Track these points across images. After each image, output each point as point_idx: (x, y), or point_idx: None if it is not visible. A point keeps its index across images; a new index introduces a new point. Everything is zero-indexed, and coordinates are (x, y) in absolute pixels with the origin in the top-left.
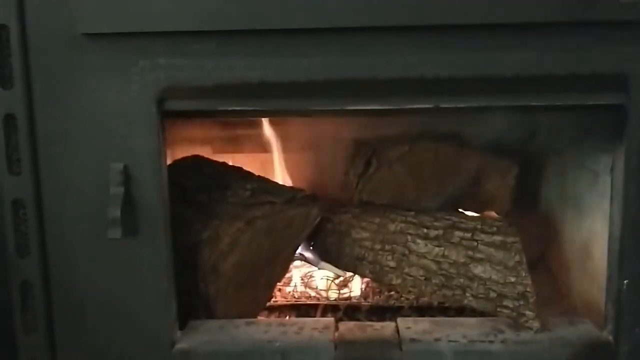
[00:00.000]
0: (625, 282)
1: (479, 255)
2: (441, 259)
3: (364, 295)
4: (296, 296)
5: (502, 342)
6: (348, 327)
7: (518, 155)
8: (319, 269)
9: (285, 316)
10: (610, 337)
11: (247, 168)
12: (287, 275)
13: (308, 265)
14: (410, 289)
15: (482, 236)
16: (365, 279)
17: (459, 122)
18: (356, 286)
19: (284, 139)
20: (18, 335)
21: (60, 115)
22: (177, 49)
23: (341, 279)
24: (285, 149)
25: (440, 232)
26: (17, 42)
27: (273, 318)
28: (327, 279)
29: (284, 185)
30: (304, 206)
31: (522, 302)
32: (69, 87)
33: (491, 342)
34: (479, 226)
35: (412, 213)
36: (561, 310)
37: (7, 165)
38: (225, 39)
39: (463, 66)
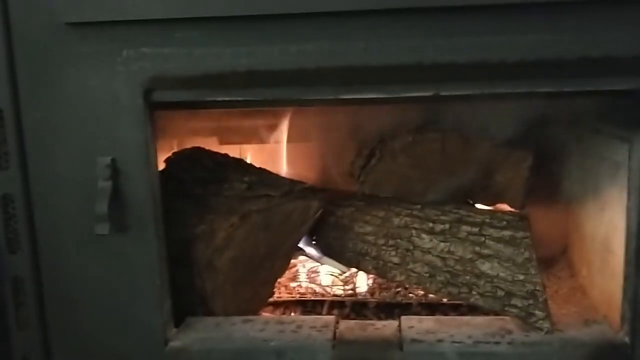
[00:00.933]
0: None
1: (486, 251)
2: (447, 255)
3: (370, 291)
4: (301, 292)
5: (509, 343)
6: (348, 326)
7: (534, 145)
8: (321, 264)
9: (290, 312)
10: (627, 339)
11: (256, 159)
12: (293, 270)
13: (312, 260)
14: (415, 286)
15: (491, 231)
16: (372, 275)
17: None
18: (362, 282)
19: (291, 129)
20: (11, 332)
21: (46, 107)
22: (162, 37)
23: (346, 274)
24: (292, 139)
25: (447, 226)
26: (0, 33)
27: (272, 315)
28: (332, 275)
29: (283, 178)
30: (303, 199)
31: (531, 301)
32: (55, 78)
33: (497, 343)
34: (487, 220)
35: (418, 206)
36: (578, 309)
37: None
38: (211, 26)
39: (463, 51)
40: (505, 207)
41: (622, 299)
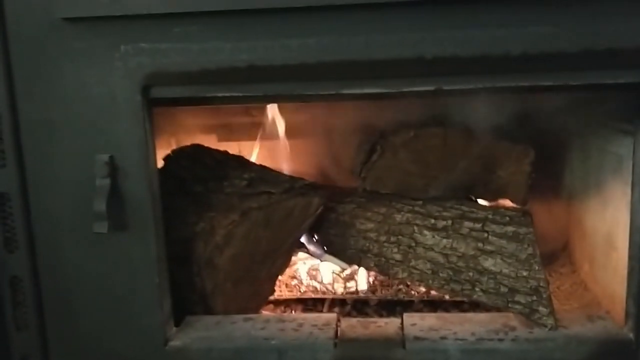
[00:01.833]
0: None
1: (489, 248)
2: (449, 252)
3: (372, 289)
4: (302, 290)
5: (512, 340)
6: (350, 324)
7: (535, 139)
8: (322, 261)
9: (291, 310)
10: (631, 335)
11: (257, 156)
12: (294, 267)
13: (313, 257)
14: (417, 283)
15: (493, 227)
16: (373, 272)
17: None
18: (362, 279)
19: (292, 125)
20: (10, 332)
21: (43, 104)
22: (160, 32)
23: (348, 272)
24: (293, 135)
25: (449, 222)
26: None
27: (273, 313)
28: (334, 272)
29: (284, 175)
30: (304, 196)
31: (535, 298)
32: (51, 75)
33: (501, 340)
34: (490, 216)
35: (420, 202)
36: (581, 305)
37: None
38: (210, 21)
39: (465, 44)
40: (508, 202)
41: (625, 294)
